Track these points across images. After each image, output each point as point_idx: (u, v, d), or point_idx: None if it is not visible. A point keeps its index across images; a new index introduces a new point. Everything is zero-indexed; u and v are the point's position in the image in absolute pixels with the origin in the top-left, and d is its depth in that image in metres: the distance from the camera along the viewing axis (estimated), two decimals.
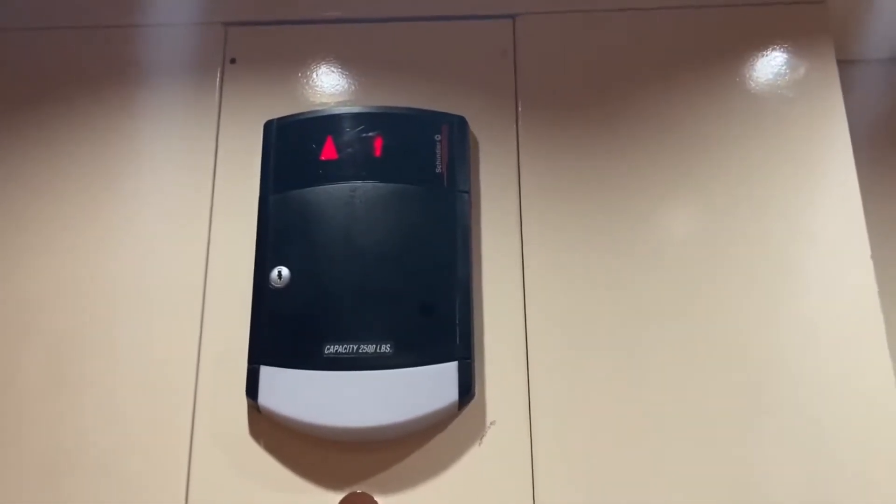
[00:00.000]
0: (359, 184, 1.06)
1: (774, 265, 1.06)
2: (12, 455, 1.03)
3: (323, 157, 1.07)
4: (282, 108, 1.14)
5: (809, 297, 1.04)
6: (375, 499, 0.98)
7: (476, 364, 1.02)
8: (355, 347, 0.99)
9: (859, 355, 1.01)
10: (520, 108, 1.15)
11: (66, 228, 1.13)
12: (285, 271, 1.02)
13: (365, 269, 1.02)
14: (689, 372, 1.02)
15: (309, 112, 1.12)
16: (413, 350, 0.99)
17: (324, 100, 1.17)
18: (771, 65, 1.16)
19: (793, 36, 1.17)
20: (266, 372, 0.99)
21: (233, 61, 1.20)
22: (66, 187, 1.15)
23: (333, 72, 1.19)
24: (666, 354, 1.03)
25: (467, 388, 0.98)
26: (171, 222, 1.12)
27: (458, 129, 1.10)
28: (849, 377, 1.00)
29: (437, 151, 1.08)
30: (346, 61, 1.19)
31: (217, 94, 1.18)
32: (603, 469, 0.99)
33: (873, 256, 1.05)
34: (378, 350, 0.99)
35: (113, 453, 1.02)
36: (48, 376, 1.06)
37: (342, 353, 0.98)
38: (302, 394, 0.97)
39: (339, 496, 0.98)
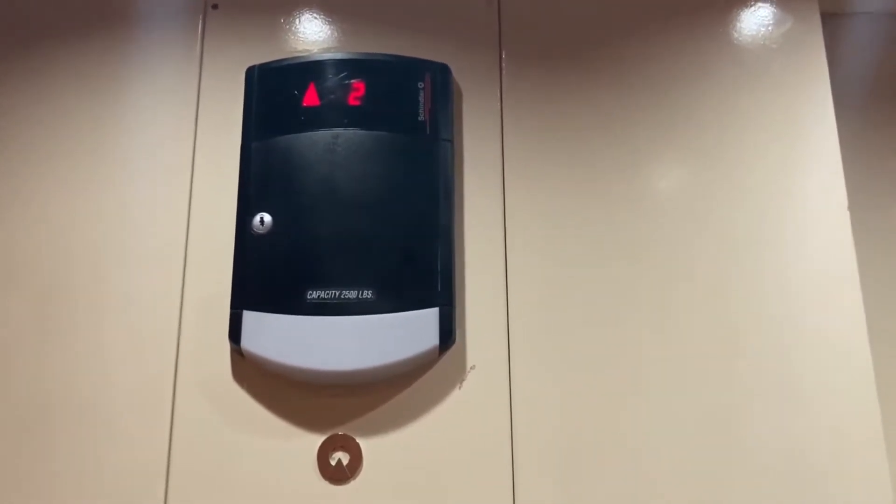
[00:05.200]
0: (341, 131, 1.05)
1: (753, 214, 1.07)
2: None
3: (305, 104, 1.07)
4: (264, 55, 1.13)
5: (786, 246, 1.06)
6: (357, 441, 1.00)
7: (457, 310, 1.03)
8: (337, 293, 0.99)
9: (834, 302, 1.03)
10: (504, 57, 1.15)
11: (48, 176, 1.12)
12: (267, 217, 1.02)
13: (347, 215, 1.02)
14: (667, 317, 1.04)
15: (291, 58, 1.11)
16: (395, 296, 1.00)
17: (306, 46, 1.16)
18: (755, 17, 1.16)
19: None
20: (249, 317, 1.00)
21: (214, 7, 1.18)
22: (47, 136, 1.14)
23: (316, 18, 1.18)
24: (645, 300, 1.05)
25: (448, 333, 0.99)
26: (153, 169, 1.12)
27: (441, 76, 1.09)
28: (823, 323, 1.03)
29: (420, 99, 1.07)
30: (329, 7, 1.18)
31: (199, 40, 1.16)
32: (581, 412, 1.01)
33: (850, 207, 1.06)
34: (360, 296, 0.99)
35: (97, 398, 1.03)
36: (33, 323, 1.06)
37: (324, 299, 0.99)
38: (284, 338, 0.98)
39: (322, 438, 1.00)
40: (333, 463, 0.99)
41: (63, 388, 1.03)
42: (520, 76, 1.14)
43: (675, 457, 0.99)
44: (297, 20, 1.17)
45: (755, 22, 1.15)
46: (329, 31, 1.17)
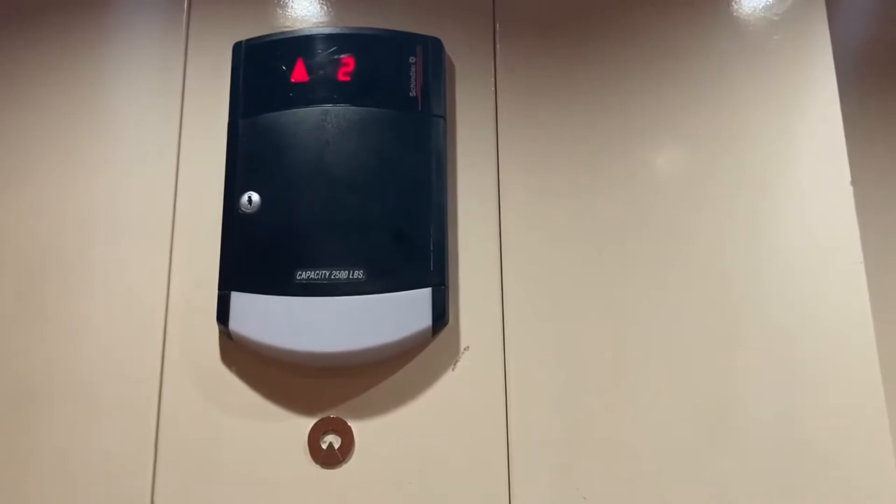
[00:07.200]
0: (330, 107, 1.03)
1: (753, 191, 1.05)
2: None
3: (293, 80, 1.04)
4: (251, 30, 1.10)
5: (787, 223, 1.03)
6: (349, 424, 0.98)
7: (450, 290, 1.01)
8: (327, 273, 0.97)
9: (836, 281, 1.01)
10: (497, 30, 1.12)
11: (35, 155, 1.10)
12: (255, 196, 1.00)
13: (337, 194, 1.00)
14: (666, 298, 1.02)
15: (279, 33, 1.08)
16: (386, 276, 0.97)
17: (295, 21, 1.13)
18: None
19: None
20: (237, 298, 0.98)
21: None
22: (34, 113, 1.11)
23: None
24: (643, 280, 1.02)
25: (441, 314, 0.97)
26: (139, 147, 1.09)
27: (433, 51, 1.06)
28: (825, 302, 1.00)
29: (412, 74, 1.05)
30: None
31: (184, 16, 1.13)
32: (576, 393, 0.99)
33: (853, 183, 1.03)
34: (351, 276, 0.97)
35: (84, 379, 1.01)
36: (20, 303, 1.04)
37: (314, 279, 0.97)
38: (274, 319, 0.96)
39: (312, 422, 0.98)
40: (325, 446, 0.97)
41: (50, 371, 1.01)
42: (514, 50, 1.11)
43: (673, 438, 0.97)
44: None
45: None
46: (318, 5, 1.14)
